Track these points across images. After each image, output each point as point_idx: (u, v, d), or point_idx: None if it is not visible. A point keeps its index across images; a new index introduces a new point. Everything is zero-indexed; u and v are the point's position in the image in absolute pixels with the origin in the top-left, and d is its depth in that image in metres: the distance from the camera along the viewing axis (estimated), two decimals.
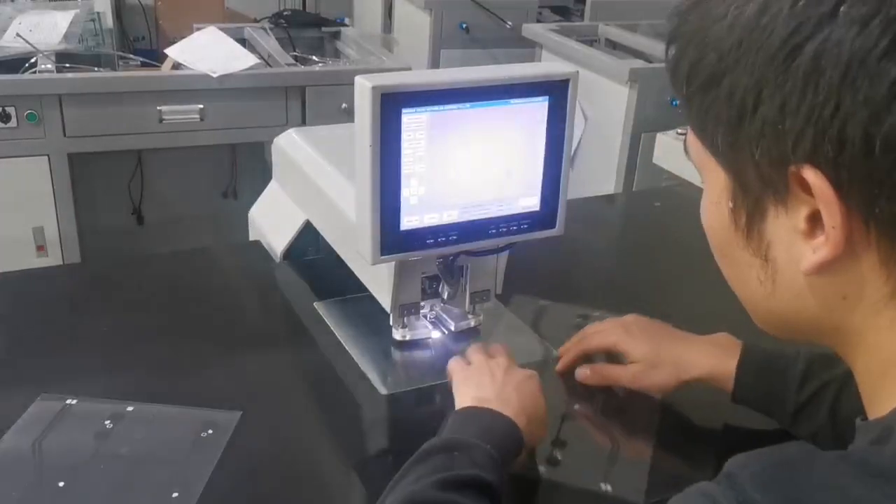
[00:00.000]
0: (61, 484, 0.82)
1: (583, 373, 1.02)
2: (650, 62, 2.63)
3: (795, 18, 0.44)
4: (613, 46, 3.00)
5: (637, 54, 2.78)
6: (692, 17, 0.50)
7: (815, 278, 0.49)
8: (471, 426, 0.81)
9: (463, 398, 0.87)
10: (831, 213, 0.45)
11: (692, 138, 0.54)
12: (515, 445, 0.82)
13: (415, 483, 0.74)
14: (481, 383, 0.88)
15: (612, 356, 1.03)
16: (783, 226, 0.49)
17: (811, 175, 0.45)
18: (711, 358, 0.93)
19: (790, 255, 0.50)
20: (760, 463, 0.45)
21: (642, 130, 2.46)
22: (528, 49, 3.04)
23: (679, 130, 2.24)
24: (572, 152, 2.70)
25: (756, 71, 0.46)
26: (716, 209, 0.54)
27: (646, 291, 1.25)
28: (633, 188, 2.51)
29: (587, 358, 1.05)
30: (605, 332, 1.02)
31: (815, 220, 0.47)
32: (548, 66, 0.98)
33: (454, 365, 0.95)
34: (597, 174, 2.61)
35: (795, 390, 0.87)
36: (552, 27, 3.01)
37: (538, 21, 3.39)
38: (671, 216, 1.58)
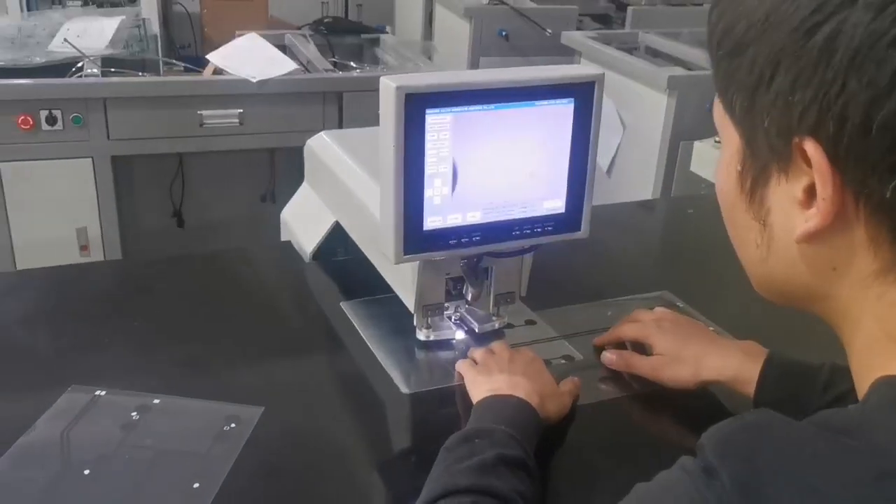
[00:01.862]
0: (87, 472, 0.84)
1: (609, 357, 1.05)
2: (690, 70, 2.60)
3: None
4: (654, 54, 2.97)
5: (677, 62, 2.75)
6: None
7: (806, 247, 0.52)
8: (487, 414, 0.86)
9: (478, 392, 0.91)
10: (824, 184, 0.48)
11: (716, 101, 0.56)
12: (533, 423, 0.86)
13: (440, 479, 0.76)
14: (491, 375, 0.93)
15: (642, 347, 1.05)
16: (783, 194, 0.52)
17: (811, 147, 0.48)
18: (735, 361, 0.93)
19: (786, 223, 0.52)
20: (724, 431, 0.48)
21: (681, 138, 2.44)
22: (567, 56, 3.03)
23: (717, 139, 2.21)
24: (611, 160, 2.69)
25: (777, 44, 0.48)
26: (726, 171, 0.57)
27: (672, 297, 1.24)
28: (671, 196, 2.48)
29: (620, 344, 1.07)
30: (640, 323, 1.05)
31: (811, 193, 0.49)
32: (574, 68, 0.98)
33: (462, 366, 1.00)
34: (634, 182, 2.59)
35: (818, 395, 0.85)
36: (591, 34, 3.00)
37: (578, 29, 3.37)
38: (704, 223, 1.56)
